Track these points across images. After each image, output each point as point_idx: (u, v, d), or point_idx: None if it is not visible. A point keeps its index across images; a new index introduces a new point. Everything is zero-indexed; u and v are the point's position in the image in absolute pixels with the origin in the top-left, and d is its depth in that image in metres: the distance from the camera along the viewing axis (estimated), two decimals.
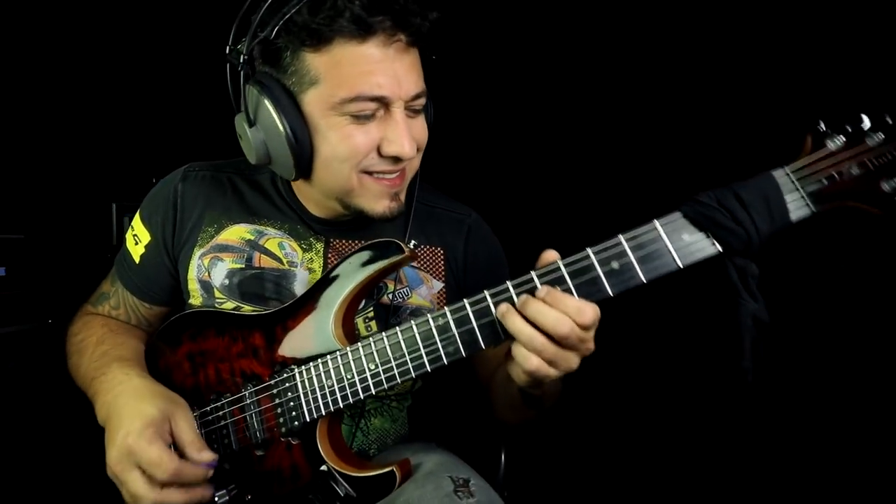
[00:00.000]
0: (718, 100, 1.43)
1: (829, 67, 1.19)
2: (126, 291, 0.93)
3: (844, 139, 0.55)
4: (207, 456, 0.72)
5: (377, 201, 0.77)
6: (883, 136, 0.54)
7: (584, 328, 0.57)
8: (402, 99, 0.72)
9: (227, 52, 0.73)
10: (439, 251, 0.90)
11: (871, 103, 0.57)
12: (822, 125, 0.57)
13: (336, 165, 0.74)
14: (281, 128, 0.70)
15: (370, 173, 0.75)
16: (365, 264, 0.75)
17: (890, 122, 0.55)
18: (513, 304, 0.61)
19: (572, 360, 0.60)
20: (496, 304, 0.62)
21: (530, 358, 0.58)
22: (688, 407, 1.50)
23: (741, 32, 1.38)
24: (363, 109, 0.70)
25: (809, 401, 1.30)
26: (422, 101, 0.76)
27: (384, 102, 0.71)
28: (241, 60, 0.71)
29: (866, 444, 1.21)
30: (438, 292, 0.88)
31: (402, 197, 0.81)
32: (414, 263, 0.88)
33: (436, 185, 0.97)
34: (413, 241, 0.87)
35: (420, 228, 0.90)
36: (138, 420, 0.69)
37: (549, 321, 0.56)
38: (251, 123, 0.73)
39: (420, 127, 0.78)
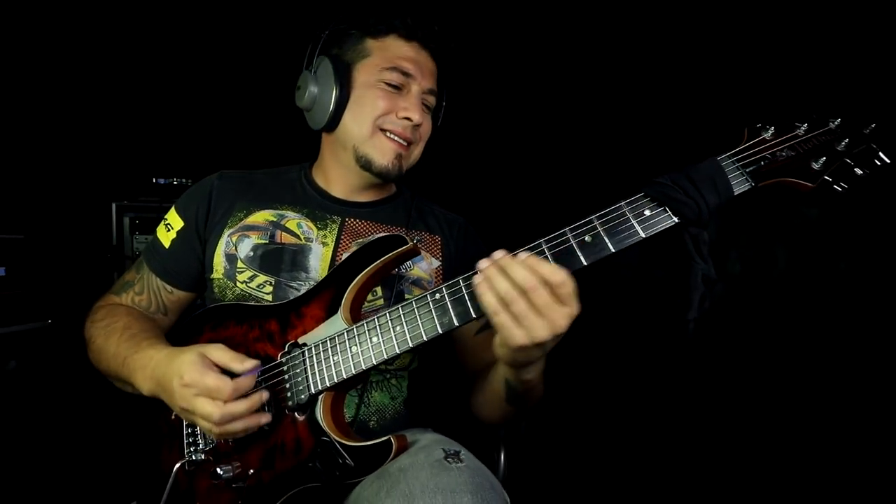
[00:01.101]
0: (673, 103, 1.61)
1: (765, 71, 1.37)
2: (152, 275, 1.03)
3: (775, 129, 0.67)
4: (250, 363, 0.79)
5: (384, 156, 0.99)
6: (807, 125, 0.66)
7: (554, 289, 0.61)
8: (421, 85, 1.00)
9: (321, 32, 1.05)
10: (437, 238, 1.08)
11: (798, 101, 0.69)
12: (759, 123, 0.69)
13: (362, 116, 0.98)
14: (333, 82, 0.98)
15: (384, 131, 0.98)
16: (374, 256, 0.84)
17: (814, 116, 0.67)
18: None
19: (539, 327, 0.62)
20: (466, 286, 0.70)
21: (499, 313, 0.62)
22: (684, 405, 1.55)
23: (692, 44, 1.56)
24: (393, 79, 0.98)
25: (793, 389, 1.39)
26: (433, 99, 1.03)
27: (408, 80, 0.99)
28: (324, 35, 1.03)
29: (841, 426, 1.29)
30: (436, 269, 1.05)
31: (405, 166, 1.02)
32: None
33: (431, 198, 1.16)
34: (416, 238, 1.02)
35: (422, 221, 1.10)
36: (181, 366, 0.78)
37: (518, 275, 0.62)
38: (312, 72, 1.02)
39: (427, 121, 1.02)
